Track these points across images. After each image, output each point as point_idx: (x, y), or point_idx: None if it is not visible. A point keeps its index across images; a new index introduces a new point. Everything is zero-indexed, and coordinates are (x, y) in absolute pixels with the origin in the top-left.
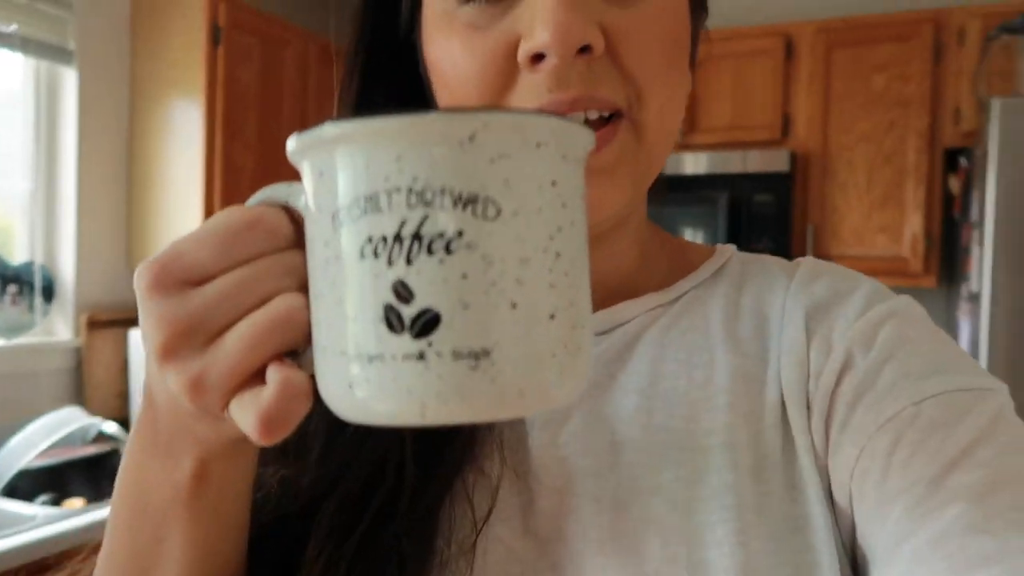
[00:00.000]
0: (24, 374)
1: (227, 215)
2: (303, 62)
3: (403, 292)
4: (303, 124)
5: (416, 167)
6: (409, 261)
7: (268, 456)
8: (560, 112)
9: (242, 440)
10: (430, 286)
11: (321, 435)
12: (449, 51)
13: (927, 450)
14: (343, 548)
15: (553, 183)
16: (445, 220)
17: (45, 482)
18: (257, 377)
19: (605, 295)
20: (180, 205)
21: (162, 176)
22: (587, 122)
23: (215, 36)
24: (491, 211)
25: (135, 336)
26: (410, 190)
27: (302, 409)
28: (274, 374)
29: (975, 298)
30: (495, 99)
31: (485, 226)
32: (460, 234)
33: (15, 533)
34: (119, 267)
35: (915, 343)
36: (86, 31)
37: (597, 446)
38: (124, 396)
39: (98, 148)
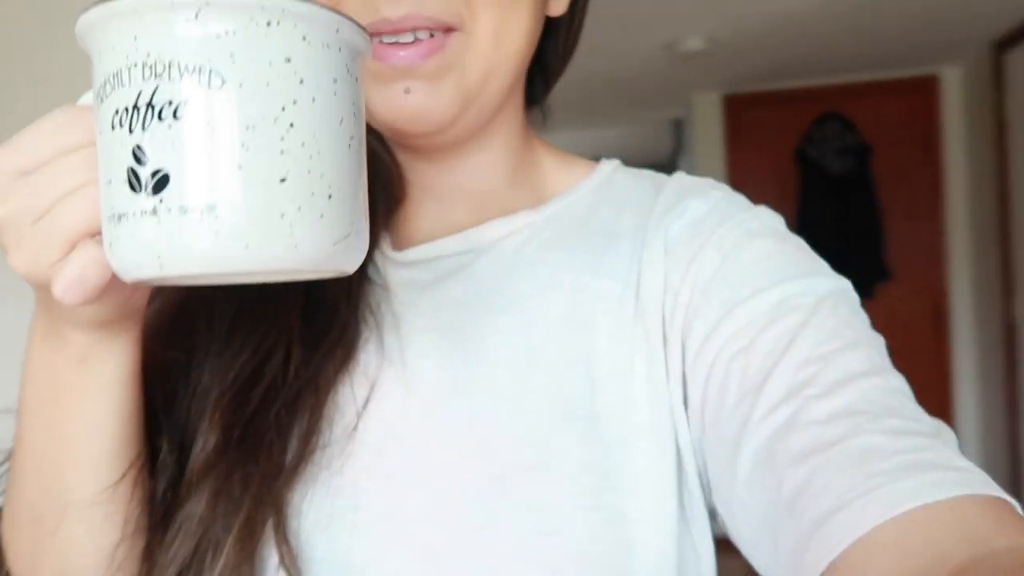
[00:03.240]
0: None
1: (56, 113)
2: None
3: (140, 155)
4: None
5: (149, 44)
6: (144, 127)
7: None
8: (392, 27)
9: (108, 323)
10: (160, 149)
11: (209, 324)
12: None
13: (761, 349)
14: (233, 423)
15: (288, 60)
16: (173, 90)
17: None
18: None
19: (476, 210)
20: None
21: None
22: (416, 41)
23: None
24: (216, 81)
25: None
26: (144, 64)
27: (94, 273)
28: (76, 248)
29: None
30: (338, 6)
31: (210, 95)
32: (186, 101)
33: None
34: None
35: (758, 252)
36: None
37: (460, 360)
38: None
39: None
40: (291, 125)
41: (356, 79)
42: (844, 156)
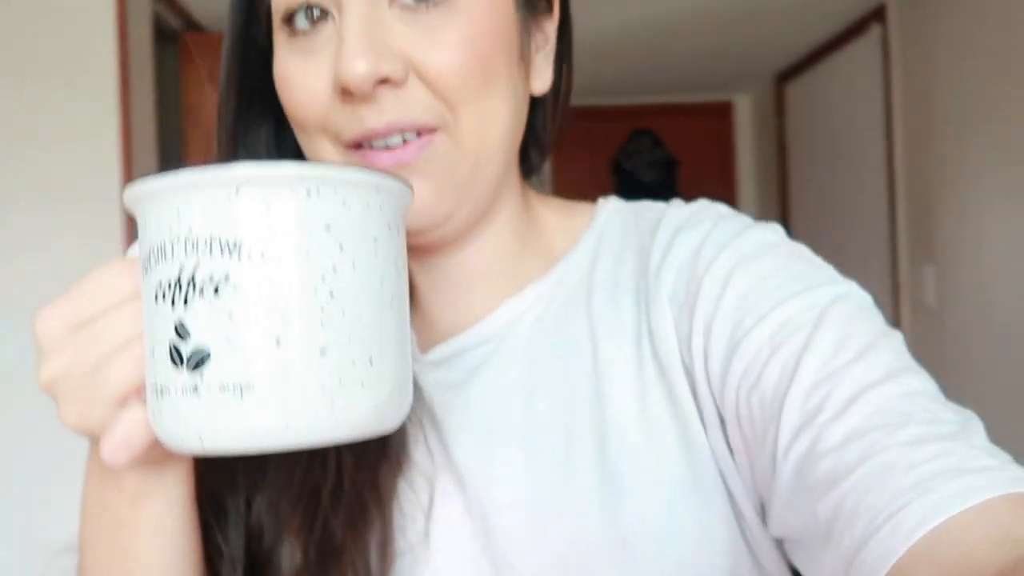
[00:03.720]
0: None
1: (106, 266)
2: None
3: (182, 331)
4: None
5: (191, 219)
6: (186, 303)
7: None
8: (378, 136)
9: (159, 462)
10: (201, 325)
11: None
12: (284, 77)
13: (770, 380)
14: (308, 537)
15: (327, 227)
16: (213, 265)
17: None
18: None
19: (490, 289)
20: None
21: None
22: (405, 143)
23: None
24: (255, 256)
25: None
26: (187, 239)
27: (139, 437)
28: (123, 409)
29: None
30: (324, 125)
31: (250, 270)
32: (227, 278)
33: None
34: None
35: (754, 276)
36: None
37: (504, 454)
38: None
39: None
40: (331, 294)
41: (398, 231)
42: (654, 168)
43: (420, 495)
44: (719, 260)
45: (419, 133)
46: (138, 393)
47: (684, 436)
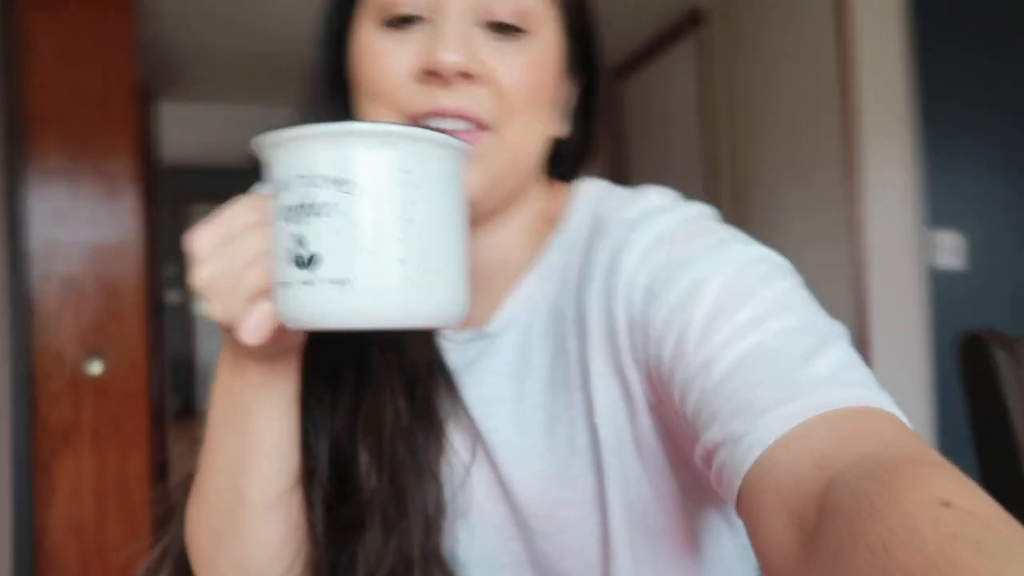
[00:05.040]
0: None
1: (240, 202)
2: None
3: (302, 242)
4: None
5: (306, 162)
6: (302, 221)
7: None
8: (444, 115)
9: (276, 355)
10: (315, 237)
11: (334, 371)
12: (370, 52)
13: (667, 364)
14: (381, 451)
15: (407, 171)
16: (323, 195)
17: None
18: None
19: (501, 286)
20: None
21: None
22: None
23: None
24: (355, 189)
25: None
26: (303, 176)
27: (267, 323)
28: (255, 303)
29: None
30: (394, 98)
31: (350, 199)
32: (335, 204)
33: None
34: None
35: (652, 267)
36: None
37: (505, 421)
38: None
39: None
40: (409, 220)
41: (459, 180)
42: None
43: (462, 439)
44: (626, 262)
45: (475, 126)
46: (265, 293)
47: (632, 414)
